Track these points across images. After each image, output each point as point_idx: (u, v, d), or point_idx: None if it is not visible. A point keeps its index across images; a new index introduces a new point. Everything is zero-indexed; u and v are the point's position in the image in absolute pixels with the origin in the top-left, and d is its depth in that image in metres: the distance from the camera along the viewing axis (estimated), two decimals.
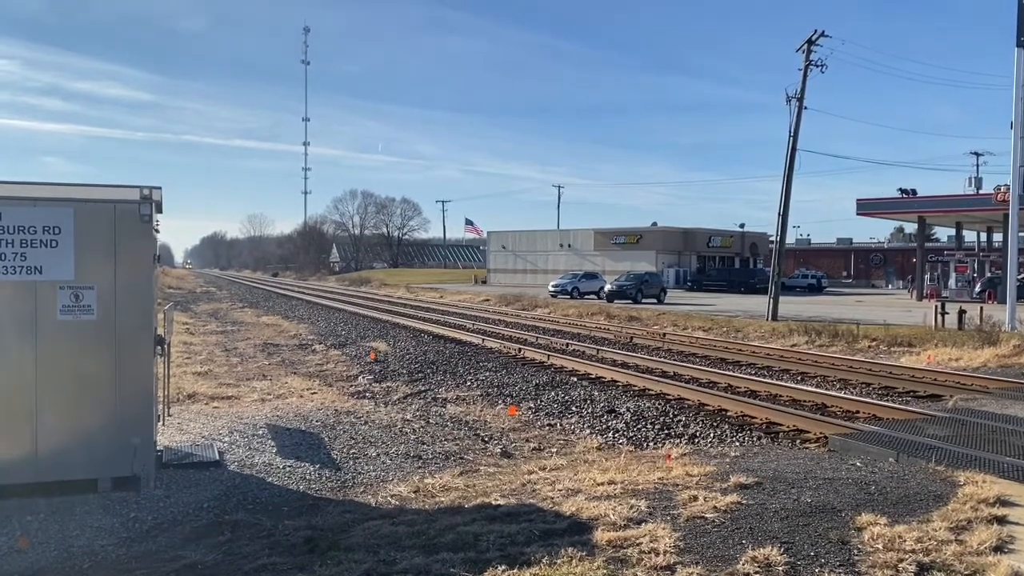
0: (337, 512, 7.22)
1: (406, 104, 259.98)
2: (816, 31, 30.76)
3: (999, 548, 5.39)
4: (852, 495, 6.72)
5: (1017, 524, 5.95)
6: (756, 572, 4.98)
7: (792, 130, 31.01)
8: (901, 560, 5.10)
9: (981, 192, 49.45)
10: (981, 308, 25.61)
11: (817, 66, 30.82)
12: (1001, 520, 5.99)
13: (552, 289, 52.19)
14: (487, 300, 46.25)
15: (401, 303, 44.91)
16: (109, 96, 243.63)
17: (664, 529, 5.79)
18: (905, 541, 5.42)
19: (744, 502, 6.50)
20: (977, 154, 71.36)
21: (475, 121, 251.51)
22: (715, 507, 6.34)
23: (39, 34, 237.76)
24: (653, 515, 6.24)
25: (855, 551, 5.34)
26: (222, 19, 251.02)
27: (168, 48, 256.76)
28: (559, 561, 5.16)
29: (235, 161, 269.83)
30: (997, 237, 56.25)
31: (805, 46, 30.87)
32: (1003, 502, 6.45)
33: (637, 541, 5.58)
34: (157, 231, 8.07)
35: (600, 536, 5.73)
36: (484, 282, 78.27)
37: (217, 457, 9.17)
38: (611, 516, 6.21)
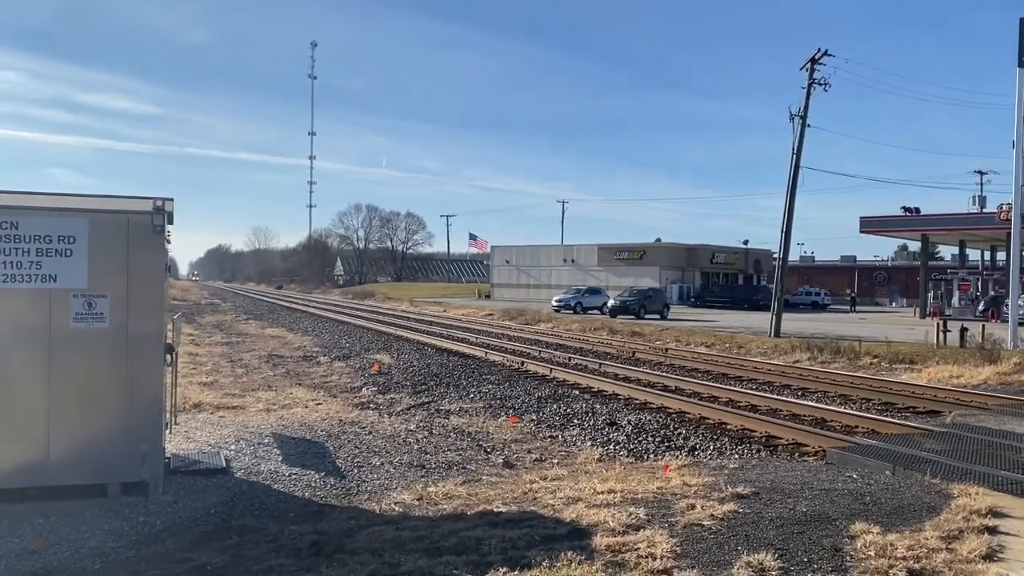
0: (342, 518, 7.37)
1: (411, 119, 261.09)
2: (819, 50, 31.10)
3: (988, 556, 5.52)
4: (847, 505, 6.86)
5: (1007, 534, 6.08)
6: None
7: (795, 148, 31.28)
8: (892, 566, 5.24)
9: (985, 211, 49.63)
10: (983, 326, 25.72)
11: (820, 84, 31.13)
12: (992, 530, 6.12)
13: (555, 304, 52.37)
14: (491, 314, 46.41)
15: (405, 316, 45.10)
16: (115, 108, 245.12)
17: (661, 535, 5.93)
18: (897, 549, 5.56)
19: (740, 511, 6.63)
20: (981, 173, 71.50)
21: (480, 136, 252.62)
22: (712, 515, 6.48)
23: (45, 46, 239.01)
24: (651, 522, 6.38)
25: (847, 557, 5.47)
26: (227, 32, 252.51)
27: (174, 61, 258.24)
28: (559, 564, 5.30)
29: (240, 174, 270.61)
30: (1000, 256, 56.40)
31: (808, 65, 31.17)
32: (995, 513, 6.58)
33: (635, 546, 5.72)
34: (168, 242, 8.25)
35: (599, 541, 5.87)
36: (488, 297, 78.48)
37: (224, 464, 9.32)
38: (610, 523, 6.36)
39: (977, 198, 55.36)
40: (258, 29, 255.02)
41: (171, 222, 8.21)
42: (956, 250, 61.10)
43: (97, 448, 7.71)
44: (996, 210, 44.56)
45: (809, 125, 31.26)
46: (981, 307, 45.68)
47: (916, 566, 5.27)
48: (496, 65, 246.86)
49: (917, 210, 52.12)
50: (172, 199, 8.10)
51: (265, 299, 74.32)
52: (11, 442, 7.46)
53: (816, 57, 31.09)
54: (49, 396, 7.55)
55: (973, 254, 60.90)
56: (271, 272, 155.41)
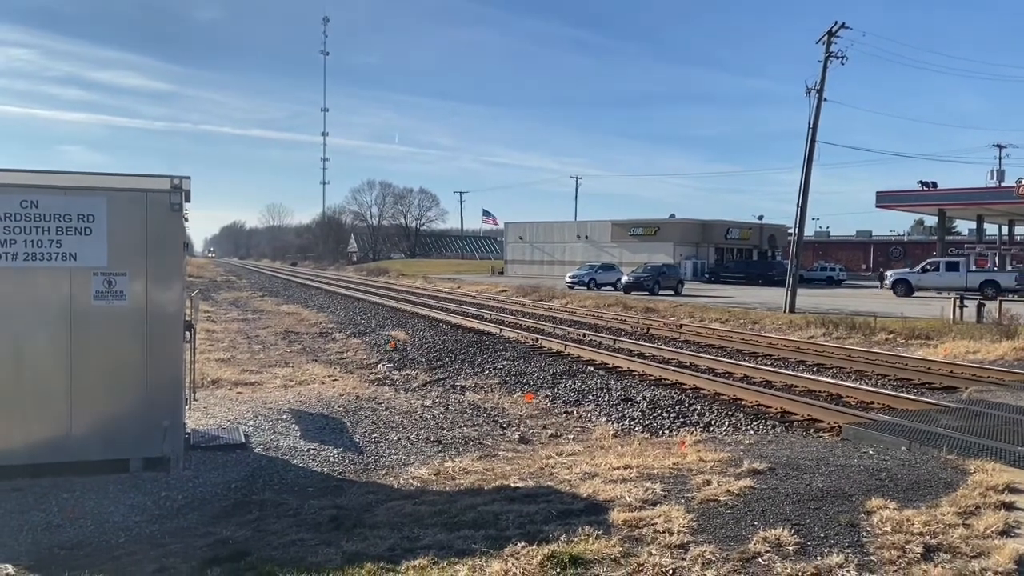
0: (361, 493, 7.46)
1: (423, 94, 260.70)
2: (836, 23, 30.65)
3: (1005, 532, 5.53)
4: (863, 481, 6.87)
5: None
6: (767, 551, 5.16)
7: (811, 122, 30.95)
8: (908, 542, 5.26)
9: (1003, 185, 49.11)
10: (1000, 301, 25.53)
11: (837, 58, 30.71)
12: (1009, 506, 6.12)
13: (569, 280, 52.38)
14: (504, 291, 46.45)
15: (419, 293, 45.22)
16: (127, 85, 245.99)
17: (678, 511, 5.97)
18: (913, 524, 5.57)
19: (757, 486, 6.66)
20: (1000, 146, 70.46)
21: (493, 112, 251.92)
22: (728, 491, 6.51)
23: (57, 23, 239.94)
24: (668, 497, 6.42)
25: (864, 533, 5.50)
26: (239, 8, 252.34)
27: (186, 37, 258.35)
28: (576, 539, 5.35)
29: (253, 151, 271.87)
30: (1019, 230, 55.91)
31: (825, 38, 30.76)
32: (1012, 489, 6.56)
33: (652, 521, 5.77)
34: (186, 219, 8.30)
35: (616, 516, 5.92)
36: (501, 273, 78.49)
37: (243, 440, 9.43)
38: (627, 498, 6.40)
39: (995, 172, 54.73)
40: (269, 5, 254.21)
41: (188, 200, 8.26)
42: (973, 225, 60.51)
43: (119, 424, 7.83)
44: (1014, 184, 44.12)
45: (826, 99, 30.88)
46: None
47: (933, 541, 5.29)
48: (508, 39, 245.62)
49: (934, 184, 51.60)
50: (189, 177, 8.15)
51: (280, 276, 74.64)
52: (35, 418, 7.59)
53: (833, 30, 30.68)
54: (71, 373, 7.66)
55: (990, 228, 60.35)
56: (285, 249, 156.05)
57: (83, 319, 7.69)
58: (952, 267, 40.44)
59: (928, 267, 41.35)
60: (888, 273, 45.11)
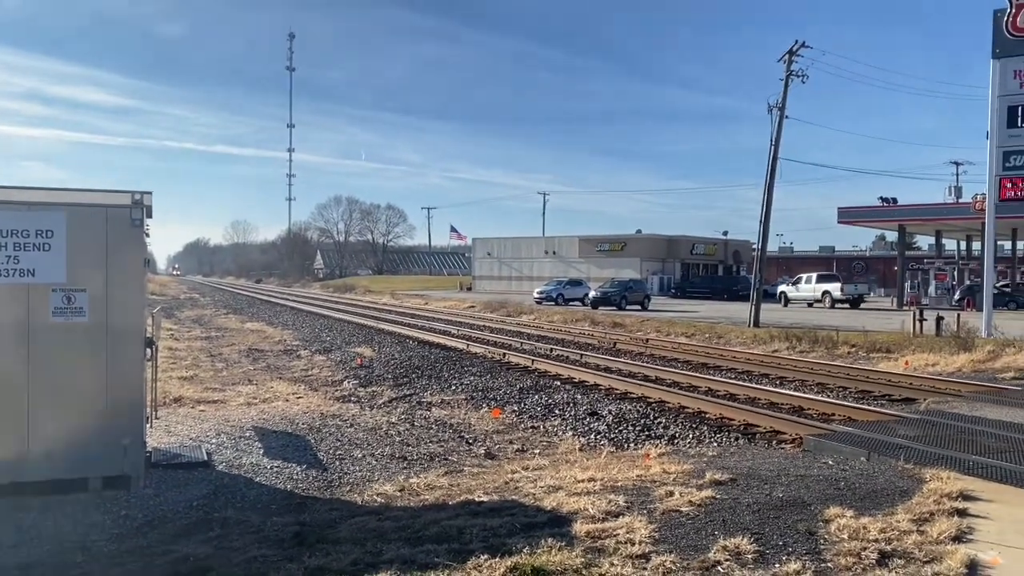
0: (324, 509, 7.42)
1: (390, 111, 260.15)
2: (797, 42, 31.26)
3: (958, 538, 5.66)
4: (822, 490, 6.98)
5: (977, 516, 6.23)
6: (726, 560, 5.23)
7: (773, 139, 31.45)
8: (864, 548, 5.36)
9: (960, 201, 50.19)
10: (959, 315, 26.00)
11: (798, 76, 31.29)
12: (962, 512, 6.26)
13: (537, 296, 52.53)
14: (472, 307, 46.44)
15: (386, 309, 45.03)
16: (89, 101, 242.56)
17: (640, 522, 6.03)
18: (869, 531, 5.69)
19: (718, 497, 6.75)
20: (957, 163, 72.27)
21: (460, 128, 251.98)
22: (690, 501, 6.58)
23: (17, 38, 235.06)
24: (630, 509, 6.47)
25: (821, 540, 5.60)
26: (202, 24, 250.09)
27: (149, 53, 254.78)
28: (539, 551, 5.37)
29: (218, 167, 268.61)
30: (976, 245, 56.95)
31: (786, 57, 31.33)
32: (965, 496, 6.73)
33: (614, 532, 5.81)
34: (147, 235, 8.24)
35: (579, 528, 5.96)
36: (469, 289, 78.43)
37: (205, 458, 9.34)
38: (590, 510, 6.44)
39: (953, 188, 56.02)
40: (234, 21, 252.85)
41: (150, 216, 8.20)
42: (933, 240, 61.68)
43: (78, 442, 7.70)
44: (971, 200, 45.09)
45: (787, 116, 31.44)
46: (957, 296, 46.14)
47: (888, 548, 5.40)
48: (474, 56, 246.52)
49: (894, 200, 52.56)
50: (151, 192, 8.09)
51: (244, 293, 73.93)
52: None
53: (794, 49, 31.26)
54: (29, 391, 7.53)
55: (949, 244, 61.53)
56: (250, 266, 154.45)
57: (41, 336, 7.58)
58: (809, 280, 50.63)
59: (798, 280, 52.00)
60: (780, 287, 54.30)
